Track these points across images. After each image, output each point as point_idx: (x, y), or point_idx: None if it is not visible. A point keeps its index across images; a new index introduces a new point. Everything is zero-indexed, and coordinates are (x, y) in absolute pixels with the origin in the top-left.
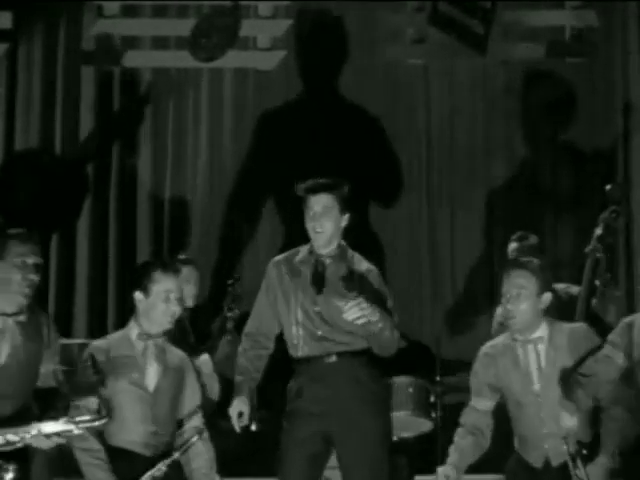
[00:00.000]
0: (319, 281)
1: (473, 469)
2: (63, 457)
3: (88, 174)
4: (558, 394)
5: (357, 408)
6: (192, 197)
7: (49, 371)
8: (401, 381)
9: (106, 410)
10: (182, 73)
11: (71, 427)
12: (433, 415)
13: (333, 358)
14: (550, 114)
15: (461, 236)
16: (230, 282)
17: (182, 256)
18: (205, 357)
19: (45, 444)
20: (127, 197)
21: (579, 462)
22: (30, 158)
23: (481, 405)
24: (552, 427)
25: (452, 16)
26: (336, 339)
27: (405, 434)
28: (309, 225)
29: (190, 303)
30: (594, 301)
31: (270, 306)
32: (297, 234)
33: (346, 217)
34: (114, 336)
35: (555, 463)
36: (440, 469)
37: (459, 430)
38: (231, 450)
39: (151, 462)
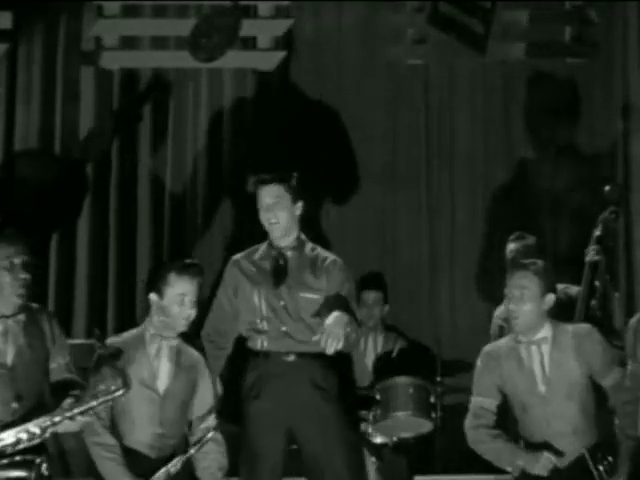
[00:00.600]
0: (281, 274)
1: (473, 469)
2: (64, 457)
3: (88, 174)
4: (563, 394)
5: (314, 403)
6: (192, 197)
7: (60, 364)
8: (401, 381)
9: (123, 381)
10: (182, 73)
11: (92, 403)
12: (433, 416)
13: (292, 357)
14: (550, 114)
15: (461, 236)
16: None
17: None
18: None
19: (72, 427)
20: (127, 197)
21: (603, 473)
22: (30, 158)
23: (488, 404)
24: (558, 427)
25: (452, 16)
26: (299, 337)
27: (405, 435)
28: (263, 217)
29: None
30: (593, 302)
31: (230, 305)
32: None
33: (299, 205)
34: (129, 335)
35: (563, 463)
36: (545, 454)
37: (482, 433)
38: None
39: (155, 463)
